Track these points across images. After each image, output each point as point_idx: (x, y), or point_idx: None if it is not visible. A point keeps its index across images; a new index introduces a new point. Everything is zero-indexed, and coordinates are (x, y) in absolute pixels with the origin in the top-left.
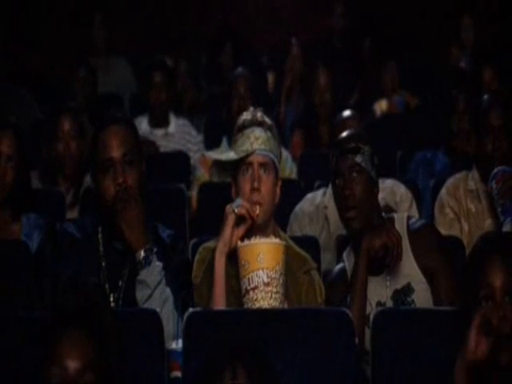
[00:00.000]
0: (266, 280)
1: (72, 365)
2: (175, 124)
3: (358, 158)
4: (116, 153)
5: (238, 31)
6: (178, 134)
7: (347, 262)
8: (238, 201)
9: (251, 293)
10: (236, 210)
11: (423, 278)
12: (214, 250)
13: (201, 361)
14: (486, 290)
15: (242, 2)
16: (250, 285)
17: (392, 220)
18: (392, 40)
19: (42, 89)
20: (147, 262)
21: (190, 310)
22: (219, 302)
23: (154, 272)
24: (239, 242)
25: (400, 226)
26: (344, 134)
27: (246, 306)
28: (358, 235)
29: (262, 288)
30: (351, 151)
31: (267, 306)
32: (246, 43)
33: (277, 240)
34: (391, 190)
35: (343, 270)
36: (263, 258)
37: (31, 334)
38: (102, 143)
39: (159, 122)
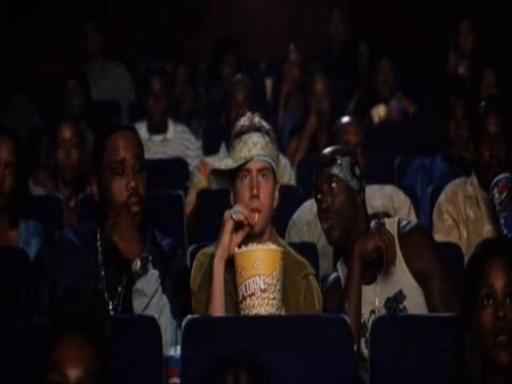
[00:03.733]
0: (262, 286)
1: (72, 372)
2: (174, 130)
3: (335, 170)
4: (129, 156)
5: (238, 42)
6: (176, 140)
7: (341, 270)
8: (236, 207)
9: (248, 299)
10: (234, 216)
11: (415, 282)
12: (212, 256)
13: (199, 367)
14: (487, 290)
15: (239, 8)
16: (246, 291)
17: (383, 225)
18: (389, 46)
19: (40, 95)
20: (144, 271)
21: (189, 316)
22: (218, 309)
23: (150, 281)
24: (236, 249)
25: (391, 230)
26: (324, 151)
27: (242, 313)
28: (341, 246)
29: (258, 294)
30: (326, 164)
31: (264, 313)
32: (244, 50)
33: (274, 246)
34: (390, 197)
35: (337, 279)
36: (260, 265)
37: (30, 341)
38: (113, 146)
39: (157, 128)
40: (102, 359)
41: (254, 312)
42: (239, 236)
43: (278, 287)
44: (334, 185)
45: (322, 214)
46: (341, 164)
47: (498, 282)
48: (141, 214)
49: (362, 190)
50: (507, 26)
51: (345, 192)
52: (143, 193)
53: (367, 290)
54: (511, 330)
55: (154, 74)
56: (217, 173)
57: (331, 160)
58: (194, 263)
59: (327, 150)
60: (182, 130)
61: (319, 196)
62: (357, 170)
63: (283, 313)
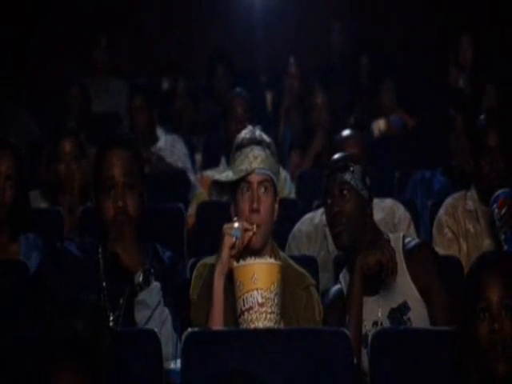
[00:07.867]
0: (260, 300)
1: None
2: (164, 140)
3: (347, 176)
4: (118, 174)
5: (228, 54)
6: (166, 148)
7: (343, 283)
8: (236, 227)
9: (246, 313)
10: (234, 240)
11: (419, 296)
12: (211, 266)
13: (199, 380)
14: (484, 303)
15: (240, 22)
16: (244, 305)
17: (388, 240)
18: (390, 59)
19: (41, 109)
20: (146, 283)
21: (189, 330)
22: (217, 323)
23: (152, 293)
24: (234, 263)
25: (396, 245)
26: (335, 155)
27: (241, 327)
28: (349, 252)
29: (256, 309)
30: (340, 169)
31: (262, 327)
32: (245, 63)
33: (272, 260)
34: (390, 211)
35: (340, 291)
36: (258, 279)
37: (30, 354)
38: (106, 162)
39: (145, 141)
40: (98, 375)
41: (252, 326)
42: (237, 252)
43: (276, 301)
44: (345, 191)
45: (331, 218)
46: (353, 171)
47: (494, 295)
48: (130, 231)
49: (371, 200)
50: (507, 39)
51: (356, 200)
52: (133, 210)
53: (370, 302)
54: (507, 342)
55: (134, 91)
56: (217, 185)
57: (344, 166)
58: (194, 273)
59: (339, 155)
60: (172, 139)
61: (330, 201)
62: (367, 180)
63: (282, 326)
